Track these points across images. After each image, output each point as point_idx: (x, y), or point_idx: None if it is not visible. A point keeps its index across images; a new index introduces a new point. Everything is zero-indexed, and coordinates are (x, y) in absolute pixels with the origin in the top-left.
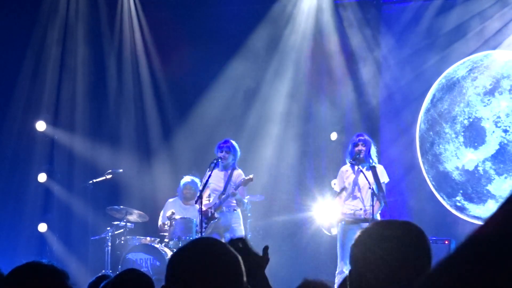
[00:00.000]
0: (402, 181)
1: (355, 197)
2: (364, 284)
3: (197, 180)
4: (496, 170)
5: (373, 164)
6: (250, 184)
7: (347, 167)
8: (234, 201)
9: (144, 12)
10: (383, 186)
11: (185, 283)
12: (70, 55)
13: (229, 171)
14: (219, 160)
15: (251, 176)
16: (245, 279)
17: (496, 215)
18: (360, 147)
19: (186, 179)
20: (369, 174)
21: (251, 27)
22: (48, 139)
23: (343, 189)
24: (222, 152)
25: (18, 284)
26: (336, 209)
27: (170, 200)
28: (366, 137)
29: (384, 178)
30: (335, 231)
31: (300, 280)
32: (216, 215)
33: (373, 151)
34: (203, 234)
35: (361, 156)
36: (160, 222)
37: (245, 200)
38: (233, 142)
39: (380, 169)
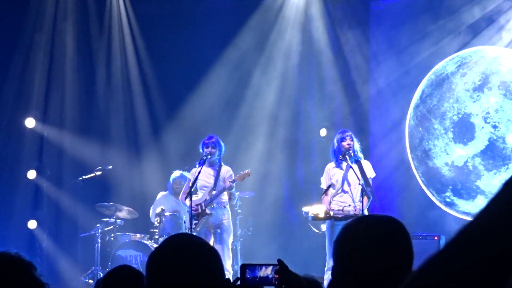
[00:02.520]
0: (391, 177)
1: (344, 193)
2: (348, 279)
3: (187, 174)
4: (485, 166)
5: (359, 158)
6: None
7: (333, 164)
8: (224, 197)
9: (133, 8)
10: (370, 181)
11: (164, 282)
12: (59, 52)
13: (217, 167)
14: (208, 156)
15: (248, 170)
16: (224, 273)
17: (485, 211)
18: (348, 141)
19: (176, 174)
20: (356, 169)
21: (240, 22)
22: (38, 136)
23: (330, 186)
24: (208, 148)
25: None
26: (324, 206)
27: (163, 193)
28: (351, 132)
29: (370, 173)
30: (324, 228)
31: None
32: (207, 211)
33: (358, 145)
34: (193, 230)
35: (350, 151)
36: (151, 213)
37: (236, 194)
38: (218, 138)
39: (366, 164)
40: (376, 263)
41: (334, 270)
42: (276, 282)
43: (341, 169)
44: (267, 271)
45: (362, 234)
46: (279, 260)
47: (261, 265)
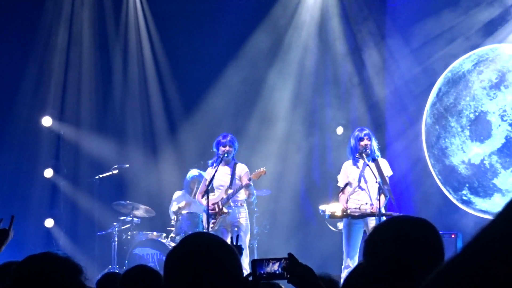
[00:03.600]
0: (408, 175)
1: (361, 191)
2: (377, 279)
3: (204, 173)
4: (502, 163)
5: (376, 157)
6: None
7: (350, 163)
8: (241, 196)
9: (149, 6)
10: (387, 179)
11: (182, 281)
12: (76, 50)
13: (232, 166)
14: (225, 155)
15: (263, 169)
16: (242, 271)
17: (506, 210)
18: (366, 142)
19: (193, 172)
20: (373, 167)
21: (256, 20)
22: (54, 134)
23: (347, 184)
24: (226, 147)
25: (33, 271)
26: (341, 204)
27: (179, 193)
28: (368, 131)
29: (387, 171)
30: (340, 226)
31: None
32: (224, 209)
33: (375, 144)
34: (210, 229)
35: (367, 150)
36: (173, 209)
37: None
38: (233, 136)
39: (383, 162)
40: (407, 263)
41: (363, 267)
42: (288, 276)
43: (358, 167)
44: (278, 265)
45: (394, 235)
46: (289, 254)
47: (271, 260)
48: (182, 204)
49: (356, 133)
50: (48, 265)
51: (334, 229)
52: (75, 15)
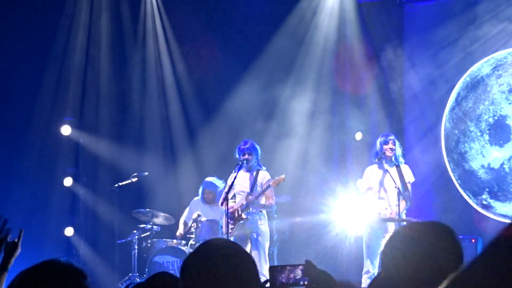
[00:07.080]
0: (427, 180)
1: (381, 197)
2: (395, 284)
3: (218, 182)
4: None
5: (399, 163)
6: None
7: (373, 167)
8: (261, 202)
9: (167, 14)
10: (409, 186)
11: (198, 287)
12: (94, 58)
13: (255, 172)
14: (244, 162)
15: (282, 176)
16: (259, 278)
17: None
18: (390, 146)
19: (205, 182)
20: (394, 173)
21: (274, 27)
22: (73, 143)
23: (369, 189)
24: (244, 154)
25: (32, 282)
26: (361, 208)
27: (196, 198)
28: (394, 137)
29: (409, 178)
30: (360, 232)
31: None
32: (243, 215)
33: (399, 150)
34: (229, 235)
35: (391, 155)
36: (182, 220)
37: (273, 202)
38: (253, 142)
39: (406, 169)
40: (425, 269)
41: (381, 277)
42: (306, 282)
43: (379, 173)
44: (296, 272)
45: (409, 241)
46: (307, 261)
47: (289, 266)
48: (195, 215)
49: (382, 138)
50: (49, 273)
51: (354, 234)
52: (93, 23)
